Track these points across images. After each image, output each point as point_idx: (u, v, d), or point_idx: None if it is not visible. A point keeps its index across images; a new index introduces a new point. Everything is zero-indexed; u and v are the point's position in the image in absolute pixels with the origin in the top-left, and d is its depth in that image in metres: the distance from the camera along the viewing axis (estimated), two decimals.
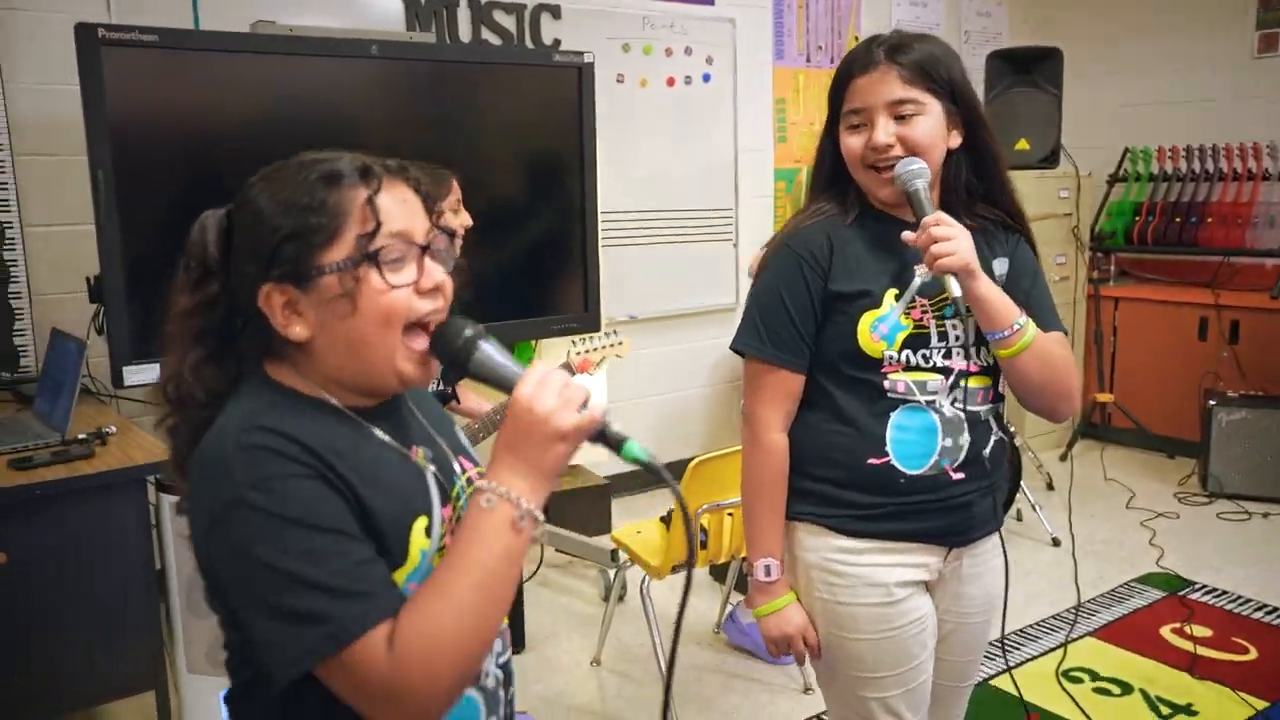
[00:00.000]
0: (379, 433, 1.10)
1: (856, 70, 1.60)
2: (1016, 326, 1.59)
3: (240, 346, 1.11)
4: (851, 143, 1.61)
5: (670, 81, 4.78)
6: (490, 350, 1.08)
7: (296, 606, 0.95)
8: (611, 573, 3.66)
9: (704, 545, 2.81)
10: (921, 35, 1.62)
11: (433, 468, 1.13)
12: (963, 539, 1.70)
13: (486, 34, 4.21)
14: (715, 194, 5.02)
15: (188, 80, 3.00)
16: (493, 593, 1.00)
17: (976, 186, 1.68)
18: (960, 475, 1.64)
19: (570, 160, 3.72)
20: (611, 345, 2.99)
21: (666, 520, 3.03)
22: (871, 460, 1.62)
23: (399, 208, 1.07)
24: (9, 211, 3.27)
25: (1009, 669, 1.86)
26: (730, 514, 2.82)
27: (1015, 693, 2.71)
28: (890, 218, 1.66)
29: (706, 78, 4.91)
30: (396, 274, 1.05)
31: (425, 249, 1.08)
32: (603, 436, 1.04)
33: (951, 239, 1.54)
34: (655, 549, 2.90)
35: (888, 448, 1.62)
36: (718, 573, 3.75)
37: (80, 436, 2.56)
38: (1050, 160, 5.01)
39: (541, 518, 1.04)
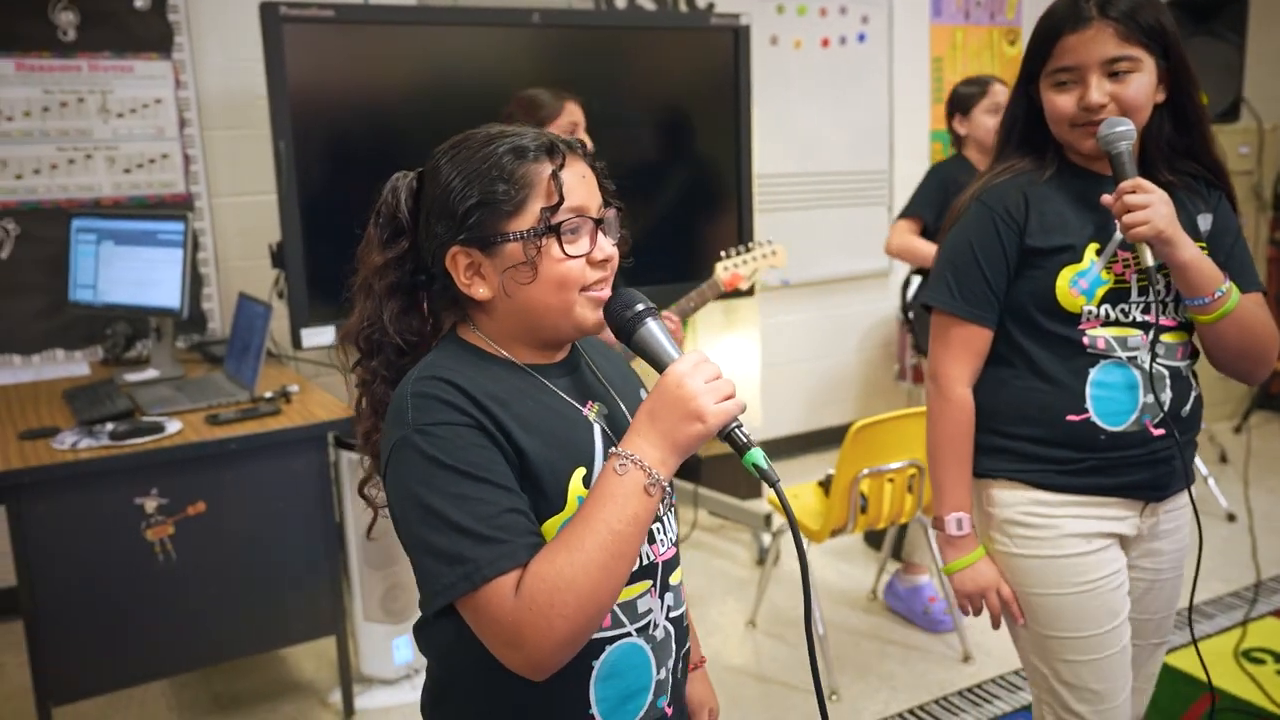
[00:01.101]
0: (553, 387, 1.16)
1: (1066, 27, 1.54)
2: (1219, 293, 1.54)
3: (429, 302, 1.19)
4: (1061, 101, 1.57)
5: (825, 42, 4.70)
6: (655, 328, 1.13)
7: (441, 544, 1.02)
8: (767, 537, 3.67)
9: (864, 510, 2.79)
10: None
11: (602, 423, 1.17)
12: (1162, 494, 1.67)
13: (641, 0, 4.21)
14: (870, 156, 4.92)
15: (360, 53, 3.13)
16: (618, 551, 1.03)
17: (1178, 142, 1.62)
18: (1160, 431, 1.60)
19: (726, 124, 3.71)
20: (765, 255, 2.88)
21: (825, 485, 3.02)
22: (1070, 417, 1.61)
23: (579, 184, 1.13)
24: (198, 184, 3.47)
25: (1194, 641, 1.79)
26: (891, 480, 2.79)
27: (1194, 670, 2.61)
28: (1090, 173, 1.62)
29: (861, 37, 4.80)
30: (573, 245, 1.11)
31: (599, 223, 1.14)
32: (731, 436, 1.08)
33: (1147, 206, 1.49)
34: (813, 513, 2.90)
35: (1087, 404, 1.60)
36: (872, 539, 3.72)
37: (267, 395, 2.71)
38: (1230, 114, 4.73)
39: (669, 488, 1.08)
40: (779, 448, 4.80)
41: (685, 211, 3.74)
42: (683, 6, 4.30)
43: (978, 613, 1.73)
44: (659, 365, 1.11)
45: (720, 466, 4.23)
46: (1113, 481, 1.62)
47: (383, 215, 1.17)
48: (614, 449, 1.08)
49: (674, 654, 1.23)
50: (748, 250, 2.88)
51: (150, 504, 2.41)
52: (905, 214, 3.30)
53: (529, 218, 1.10)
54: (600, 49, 3.54)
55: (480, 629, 1.04)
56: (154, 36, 3.36)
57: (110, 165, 3.37)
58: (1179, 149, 1.62)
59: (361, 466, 1.24)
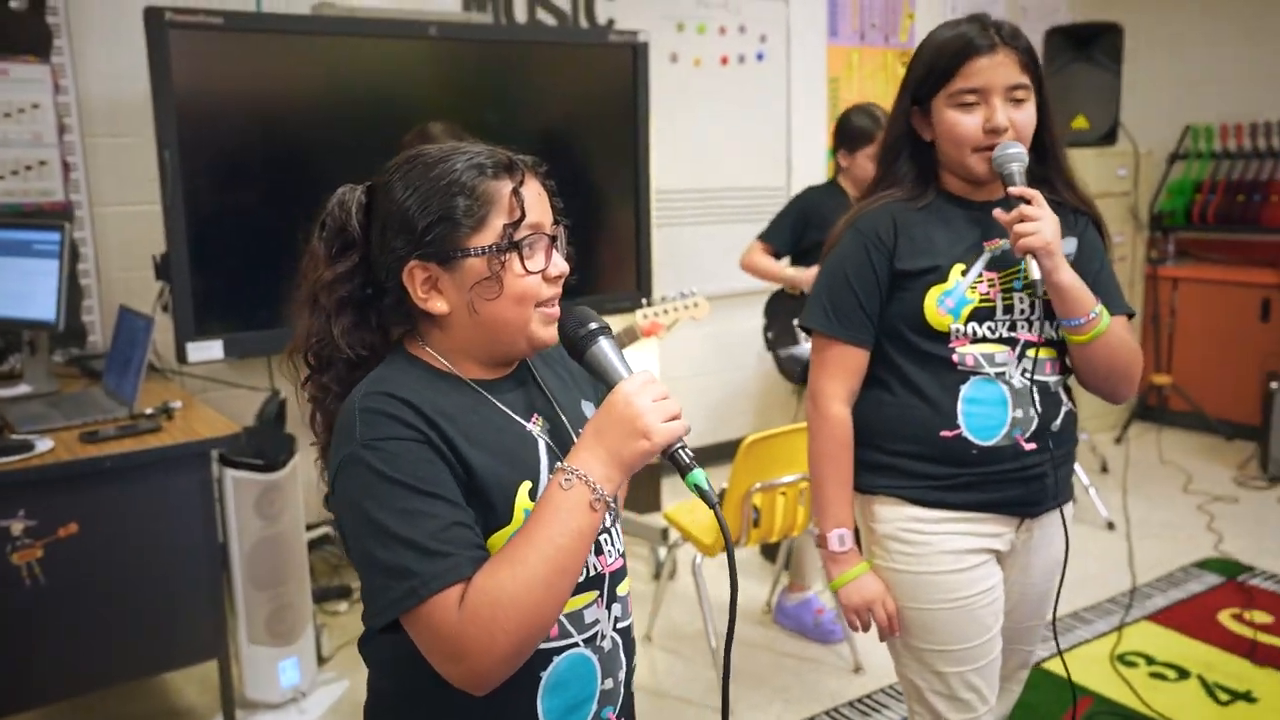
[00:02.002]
0: (498, 403, 1.17)
1: (975, 51, 1.60)
2: (1093, 315, 1.61)
3: (379, 316, 1.20)
4: (964, 121, 1.62)
5: (724, 60, 4.76)
6: (606, 347, 1.16)
7: (387, 559, 1.03)
8: (662, 551, 3.69)
9: (756, 524, 2.82)
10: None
11: (546, 438, 1.19)
12: (1035, 510, 1.73)
13: (542, 14, 4.22)
14: (768, 173, 5.00)
15: (251, 62, 3.06)
16: (562, 567, 1.04)
17: (1037, 170, 1.69)
18: (1032, 446, 1.66)
19: (624, 139, 3.73)
20: (686, 307, 2.89)
21: (720, 499, 3.05)
22: (944, 433, 1.66)
23: (536, 201, 1.16)
24: (78, 192, 3.35)
25: (1059, 653, 1.86)
26: (783, 493, 2.83)
27: (1073, 675, 2.69)
28: (964, 200, 1.69)
29: (760, 56, 4.88)
30: (532, 261, 1.14)
31: (553, 240, 1.17)
32: (675, 456, 1.10)
33: (1039, 219, 1.56)
34: (707, 528, 2.92)
35: (959, 420, 1.66)
36: (768, 551, 3.76)
37: (147, 411, 2.62)
38: (1109, 138, 4.93)
39: (614, 504, 1.09)
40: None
41: (582, 227, 3.73)
42: (583, 23, 4.31)
43: (865, 628, 1.77)
44: (609, 383, 1.14)
45: None
46: (986, 497, 1.68)
47: (329, 229, 1.18)
48: (560, 464, 1.09)
49: (623, 665, 1.25)
50: (670, 301, 2.91)
51: (16, 526, 2.31)
52: (762, 237, 3.44)
53: (491, 233, 1.12)
54: (499, 63, 3.53)
55: (424, 643, 1.04)
56: (31, 38, 3.23)
57: None
58: (1038, 177, 1.69)
59: (323, 480, 1.22)
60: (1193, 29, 5.68)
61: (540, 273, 1.14)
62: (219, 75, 3.01)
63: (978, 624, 1.69)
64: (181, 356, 3.01)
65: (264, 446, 2.80)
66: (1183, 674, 2.97)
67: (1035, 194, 1.59)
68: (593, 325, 1.16)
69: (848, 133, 3.23)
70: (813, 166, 5.15)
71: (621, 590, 1.25)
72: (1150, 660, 3.05)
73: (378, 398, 1.09)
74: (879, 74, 5.35)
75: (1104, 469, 4.81)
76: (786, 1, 4.92)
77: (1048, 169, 1.70)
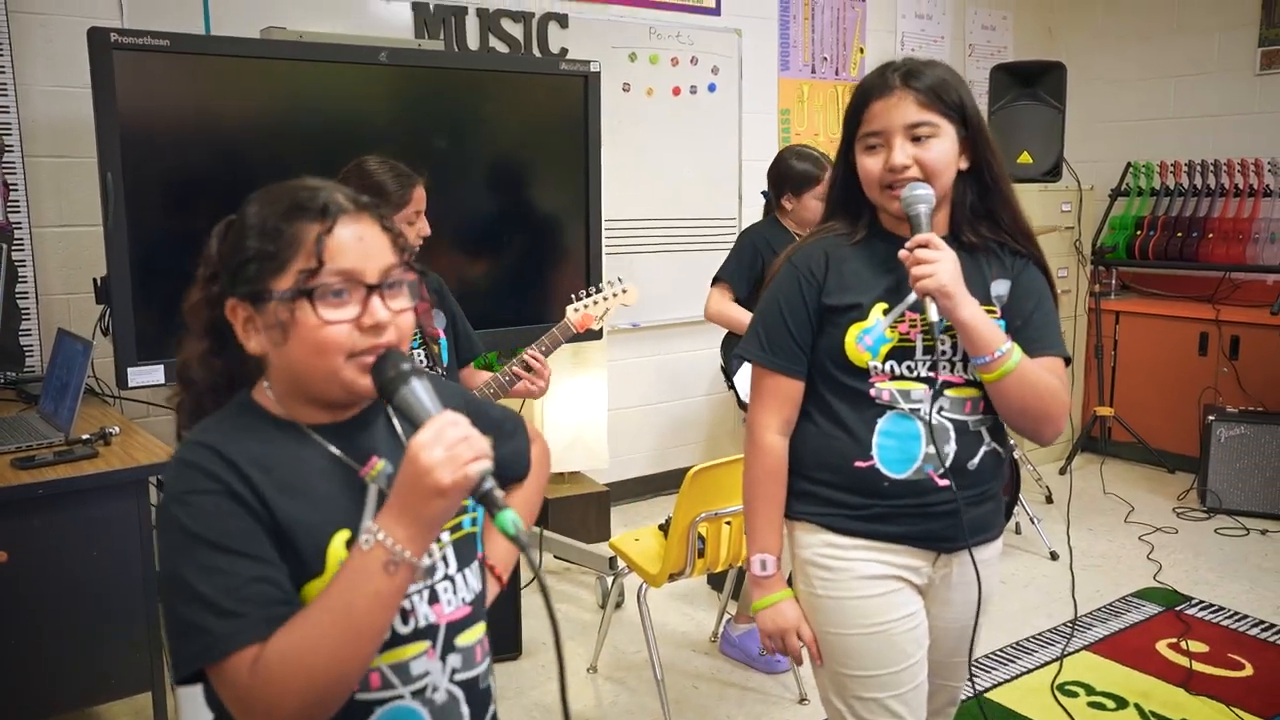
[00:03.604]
0: (332, 447, 1.15)
1: (874, 95, 1.65)
2: (999, 353, 1.62)
3: (237, 350, 1.17)
4: (869, 164, 1.67)
5: (676, 91, 4.80)
6: (417, 389, 1.09)
7: (186, 615, 1.03)
8: (609, 580, 3.67)
9: (701, 553, 2.83)
10: (931, 61, 1.68)
11: (383, 483, 1.13)
12: (949, 545, 1.73)
13: (494, 42, 4.23)
14: (720, 203, 5.04)
15: (198, 85, 3.03)
16: (355, 631, 1.03)
17: (979, 207, 1.72)
18: (945, 482, 1.68)
19: (575, 167, 3.74)
20: (615, 295, 2.88)
21: (665, 528, 3.05)
22: (858, 463, 1.69)
23: (353, 245, 1.11)
24: (19, 212, 3.30)
25: (976, 696, 1.87)
26: (728, 522, 2.83)
27: (1015, 706, 2.72)
28: (897, 237, 1.70)
29: (712, 88, 4.93)
30: (336, 310, 1.09)
31: (375, 288, 1.11)
32: (484, 498, 1.04)
33: (934, 262, 1.58)
34: (653, 557, 2.92)
35: (873, 451, 1.68)
36: (715, 581, 3.76)
37: (84, 437, 2.58)
38: (1053, 174, 5.03)
39: (419, 564, 1.05)
40: (626, 489, 4.83)
41: (533, 254, 3.75)
42: (536, 51, 4.33)
43: (783, 653, 1.79)
44: (417, 427, 1.07)
45: (566, 509, 4.23)
46: (898, 530, 1.69)
47: (203, 256, 1.18)
48: (366, 524, 1.07)
49: (463, 717, 1.21)
50: (598, 291, 2.89)
51: None
52: (720, 280, 3.38)
53: (289, 278, 1.09)
54: (450, 90, 3.53)
55: (221, 695, 1.05)
56: None
57: None
58: (980, 214, 1.72)
59: None
60: (1132, 69, 5.84)
61: (351, 321, 1.09)
62: (165, 97, 2.98)
63: (896, 650, 1.70)
64: (122, 381, 2.96)
65: None
66: (1121, 703, 3.01)
67: (931, 237, 1.61)
68: (404, 366, 1.10)
69: (791, 177, 3.27)
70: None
71: (465, 640, 1.21)
72: (1090, 690, 3.08)
73: (193, 448, 1.09)
74: (830, 106, 5.42)
75: (1049, 499, 4.88)
76: (738, 34, 4.98)
77: (993, 204, 1.72)
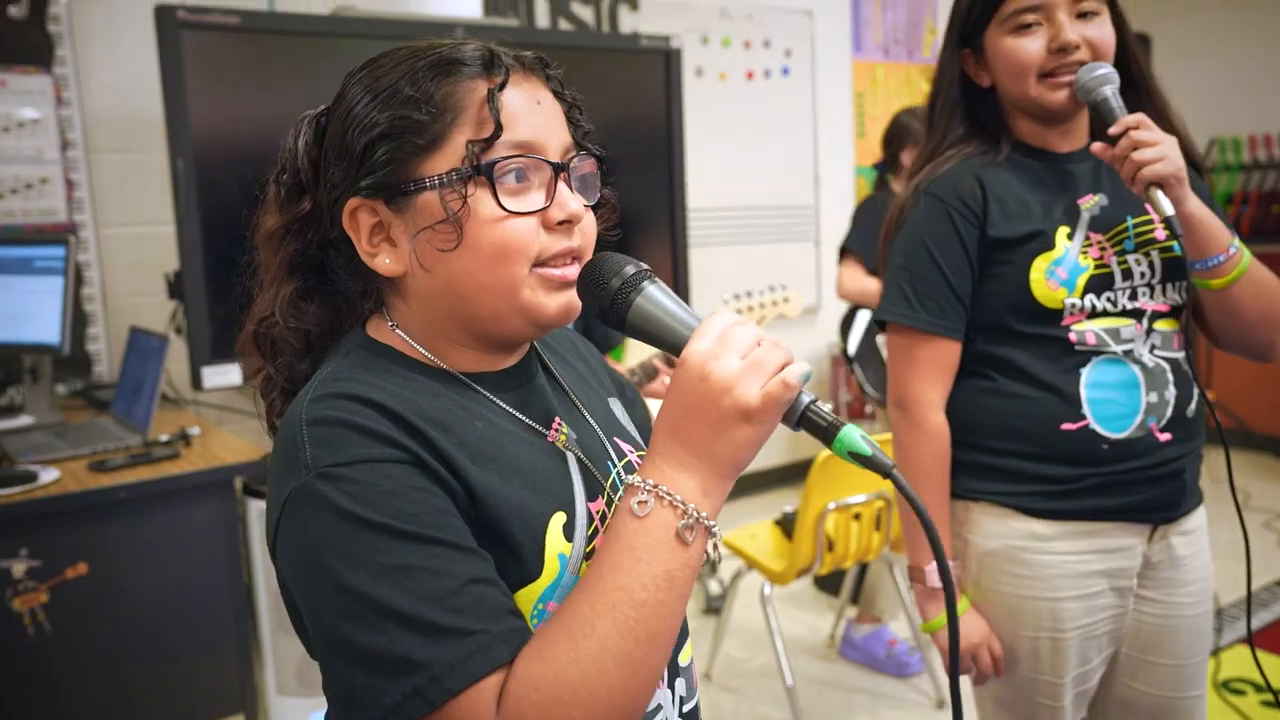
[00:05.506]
0: (504, 404, 0.85)
1: None
2: (1234, 249, 1.37)
3: (340, 285, 0.88)
4: (1027, 46, 1.38)
5: (749, 75, 4.60)
6: (657, 296, 0.80)
7: (376, 645, 0.69)
8: (713, 584, 3.43)
9: (830, 548, 2.58)
10: None
11: (576, 450, 0.86)
12: (1173, 514, 1.46)
13: (564, 25, 4.04)
14: (795, 191, 4.81)
15: (268, 65, 2.86)
16: (647, 633, 0.71)
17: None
18: (1168, 436, 1.41)
19: (658, 149, 3.53)
20: (775, 303, 2.58)
21: (782, 524, 2.82)
22: (1066, 426, 1.39)
23: (530, 111, 0.81)
24: (83, 212, 3.13)
25: (1255, 655, 1.61)
26: (857, 515, 2.59)
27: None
28: (1046, 152, 1.45)
29: (785, 71, 4.72)
30: (517, 198, 0.79)
31: (562, 169, 0.82)
32: (807, 420, 0.75)
33: (1158, 144, 1.31)
34: (775, 554, 2.68)
35: (1084, 409, 1.39)
36: (822, 582, 3.51)
37: (163, 438, 2.39)
38: None
39: (716, 528, 0.76)
40: None
41: (617, 248, 3.54)
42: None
43: (970, 673, 1.49)
44: (673, 349, 0.79)
45: None
46: (1117, 502, 1.41)
47: (283, 166, 0.88)
48: (631, 479, 0.76)
49: None
50: (757, 297, 2.59)
51: (19, 567, 2.05)
52: (848, 251, 3.11)
53: (451, 156, 0.79)
54: None
55: None
56: (32, 49, 3.03)
57: None
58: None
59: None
60: (1216, 39, 5.55)
61: (536, 214, 0.80)
62: (235, 80, 2.80)
63: (1084, 655, 1.45)
64: (196, 383, 2.78)
65: None
66: None
67: (1140, 116, 1.33)
68: (630, 270, 0.81)
69: (912, 130, 3.00)
70: (841, 184, 4.98)
71: (684, 659, 0.92)
72: (1258, 687, 2.80)
73: (332, 402, 0.75)
74: (903, 89, 5.19)
75: None
76: (810, 15, 4.77)
77: (1142, 105, 1.42)
